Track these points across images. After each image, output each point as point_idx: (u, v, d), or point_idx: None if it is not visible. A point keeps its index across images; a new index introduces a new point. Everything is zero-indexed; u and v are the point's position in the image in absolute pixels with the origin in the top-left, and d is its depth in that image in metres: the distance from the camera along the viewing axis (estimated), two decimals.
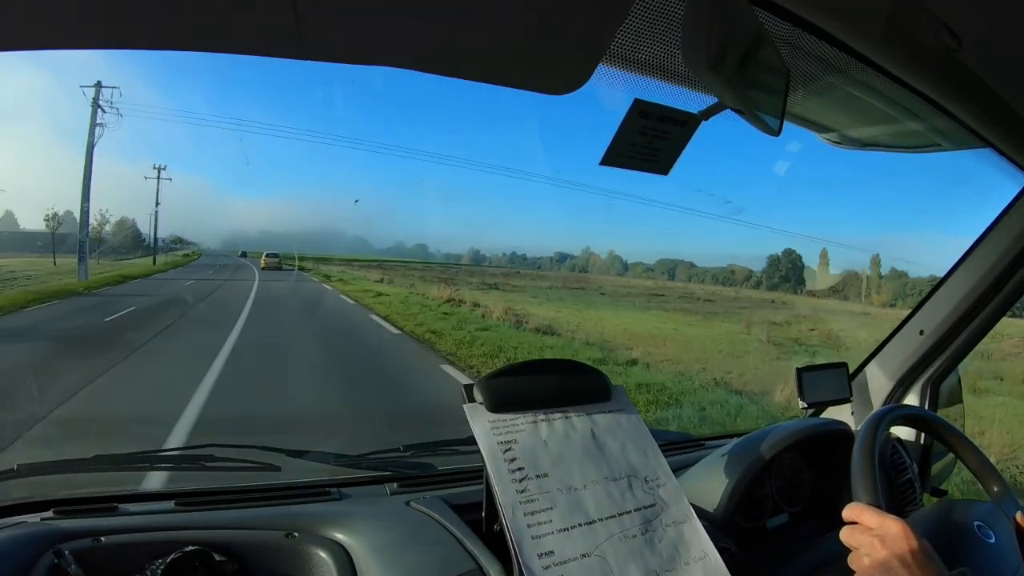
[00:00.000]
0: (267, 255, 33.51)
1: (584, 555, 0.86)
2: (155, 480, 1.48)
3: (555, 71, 0.76)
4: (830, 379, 1.57)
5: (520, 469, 0.89)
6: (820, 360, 1.76)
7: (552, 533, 0.86)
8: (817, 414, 1.68)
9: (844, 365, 1.62)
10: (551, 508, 0.88)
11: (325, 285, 23.82)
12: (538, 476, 0.90)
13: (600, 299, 25.66)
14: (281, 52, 0.69)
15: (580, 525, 0.88)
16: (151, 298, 14.45)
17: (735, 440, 1.40)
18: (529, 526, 0.86)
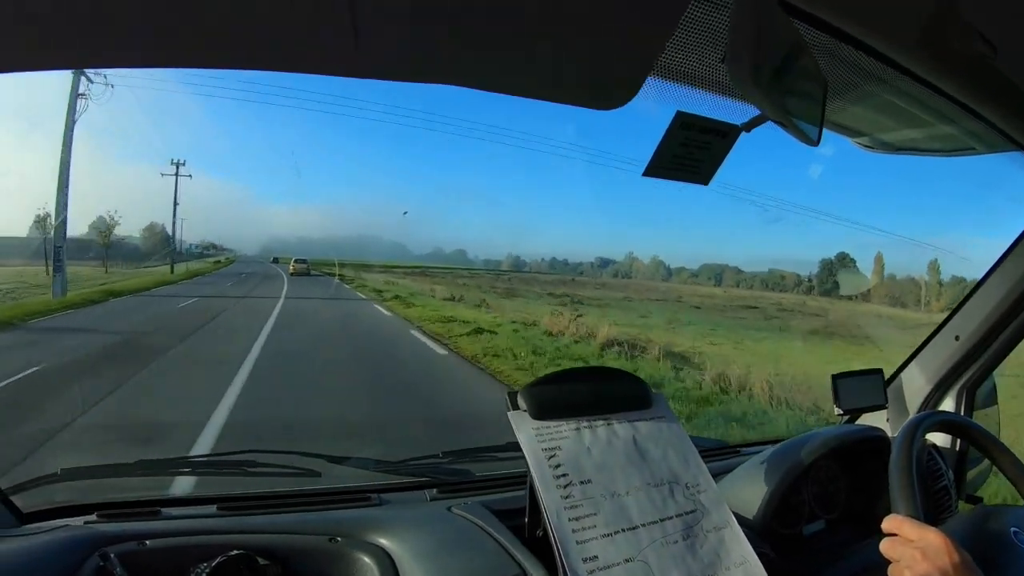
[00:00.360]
0: (295, 260, 34.11)
1: (627, 560, 0.88)
2: (197, 485, 1.50)
3: (605, 87, 0.78)
4: (866, 385, 1.56)
5: (564, 475, 0.91)
6: None
7: (596, 538, 0.88)
8: (852, 420, 1.67)
9: (880, 371, 1.61)
10: (595, 513, 0.89)
11: (379, 307, 17.10)
12: (582, 482, 0.91)
13: (702, 316, 22.38)
14: (339, 71, 0.71)
15: (623, 530, 0.90)
16: (101, 337, 9.33)
17: (771, 447, 1.40)
18: (574, 531, 0.87)
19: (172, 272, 28.02)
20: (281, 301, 16.33)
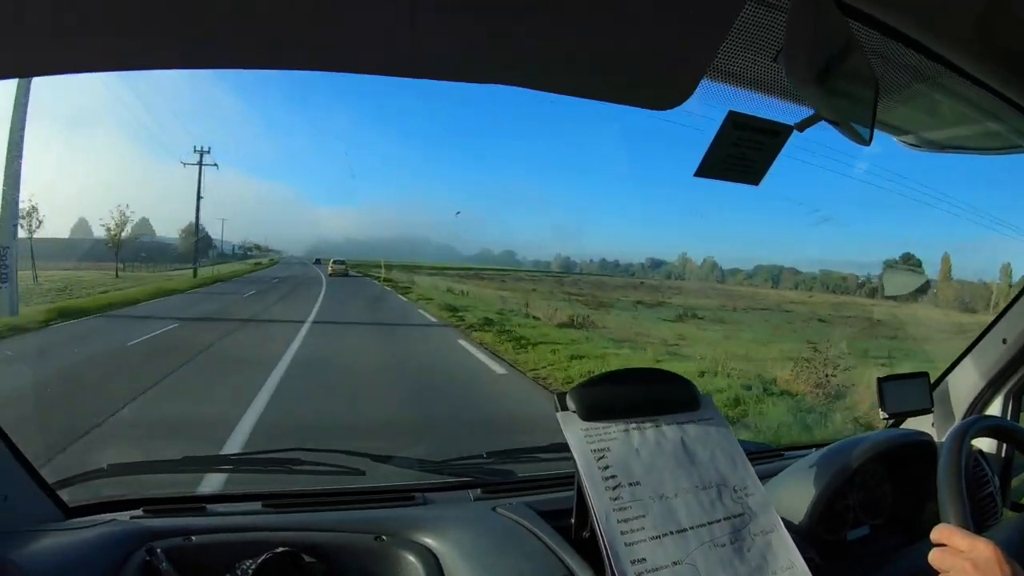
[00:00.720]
0: (334, 262, 34.87)
1: (675, 563, 0.87)
2: (242, 482, 1.52)
3: (659, 88, 0.78)
4: (911, 389, 1.53)
5: (613, 477, 0.91)
6: None
7: (645, 540, 0.88)
8: (898, 424, 1.64)
9: (925, 375, 1.58)
10: (643, 516, 0.89)
11: (466, 345, 10.44)
12: (631, 484, 0.91)
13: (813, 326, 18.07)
14: (398, 71, 0.72)
15: (672, 533, 0.89)
16: None
17: (816, 451, 1.38)
18: (622, 533, 0.87)
19: (195, 275, 25.85)
20: (304, 331, 10.46)
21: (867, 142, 0.94)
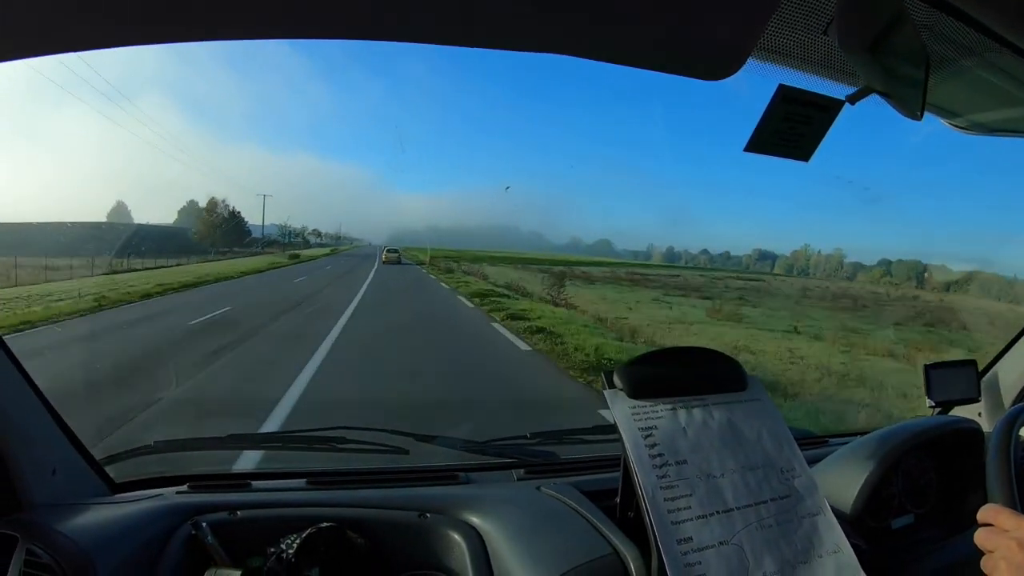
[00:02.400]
0: (387, 250, 36.94)
1: (722, 543, 0.87)
2: (286, 460, 1.55)
3: (712, 57, 0.77)
4: (958, 377, 1.50)
5: (660, 455, 0.90)
6: None
7: (691, 519, 0.87)
8: (944, 413, 1.61)
9: (973, 363, 1.54)
10: (690, 495, 0.89)
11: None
12: (677, 462, 0.90)
13: None
14: (449, 39, 0.72)
15: (718, 512, 0.89)
16: None
17: (860, 438, 1.36)
18: (669, 511, 0.87)
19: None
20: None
21: (919, 116, 0.92)
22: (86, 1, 0.63)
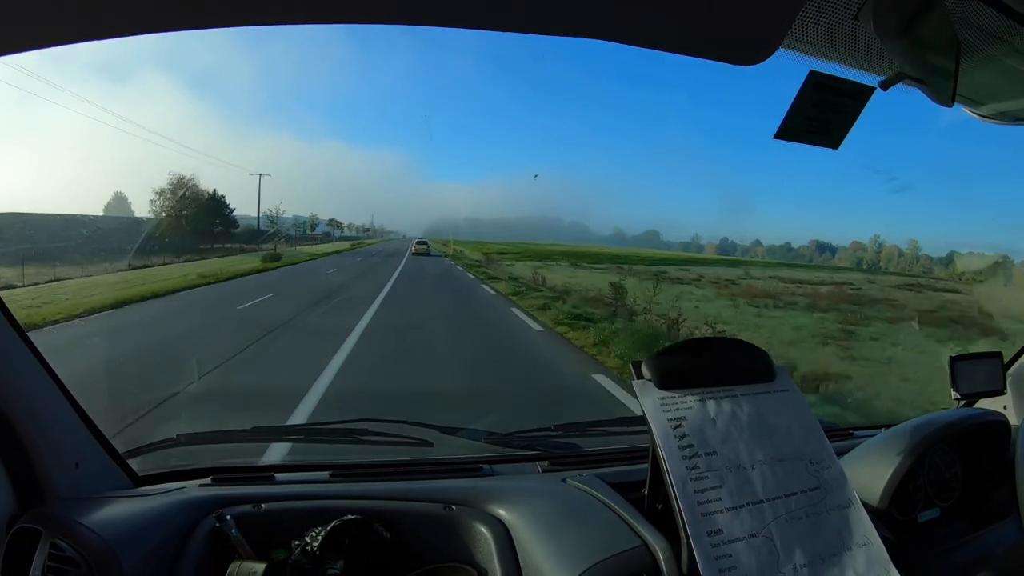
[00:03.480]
0: (417, 242, 37.23)
1: (752, 535, 0.86)
2: (310, 452, 1.54)
3: (744, 43, 0.76)
4: (984, 369, 1.48)
5: (690, 446, 0.89)
6: None
7: (721, 511, 0.86)
8: (969, 406, 1.59)
9: (999, 355, 1.52)
10: (720, 486, 0.88)
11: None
12: (707, 453, 0.90)
13: None
14: (481, 23, 0.71)
15: (748, 504, 0.88)
16: None
17: (885, 430, 1.34)
18: (699, 503, 0.86)
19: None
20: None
21: (951, 102, 0.91)
22: None
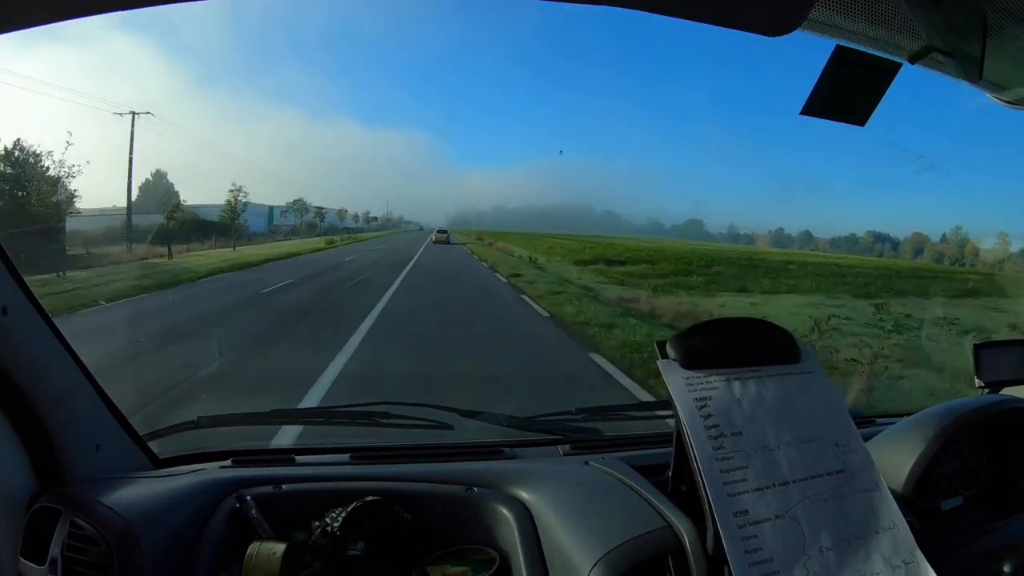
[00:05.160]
0: (437, 231, 35.94)
1: (778, 516, 0.85)
2: (330, 435, 1.54)
3: (772, 12, 0.75)
4: (1009, 357, 1.46)
5: (716, 426, 0.88)
6: None
7: (747, 492, 0.85)
8: (993, 393, 1.57)
9: (1023, 342, 1.50)
10: (746, 467, 0.87)
11: None
12: (732, 434, 0.89)
13: None
14: None
15: (774, 486, 0.87)
16: None
17: (909, 417, 1.33)
18: (725, 484, 0.85)
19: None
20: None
21: (978, 78, 0.90)
22: None
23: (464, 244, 35.36)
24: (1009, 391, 1.54)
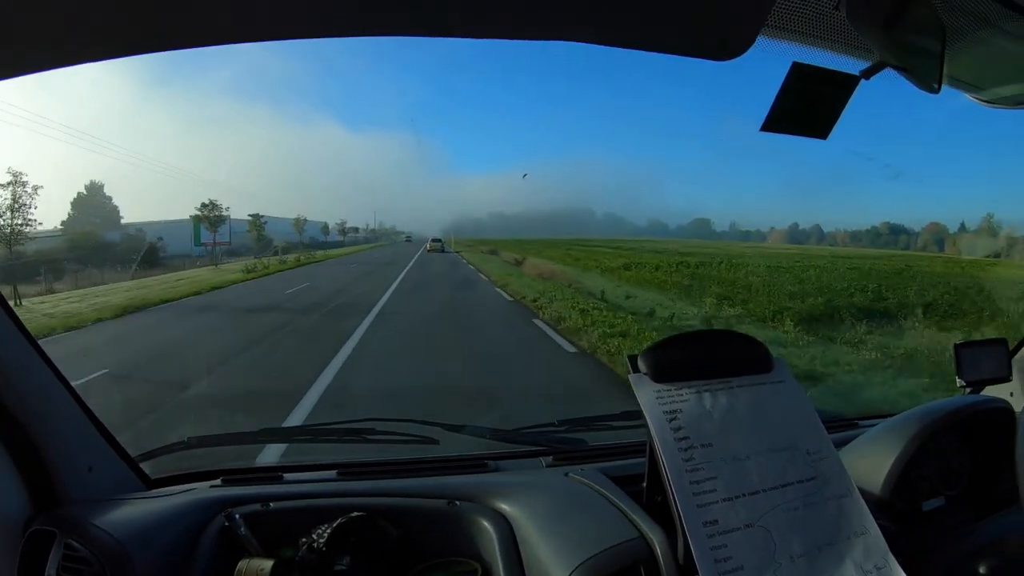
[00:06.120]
0: (432, 240, 33.59)
1: (748, 525, 0.87)
2: (317, 452, 1.57)
3: (720, 36, 0.77)
4: (989, 356, 1.47)
5: (686, 438, 0.90)
6: None
7: (717, 502, 0.87)
8: (975, 392, 1.58)
9: (1004, 342, 1.51)
10: (715, 477, 0.89)
11: None
12: (703, 445, 0.90)
13: None
14: (455, 30, 0.72)
15: (744, 495, 0.89)
16: None
17: (889, 419, 1.34)
18: (695, 494, 0.87)
19: None
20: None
21: (936, 90, 0.91)
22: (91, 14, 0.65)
23: (474, 265, 24.65)
24: (990, 390, 1.56)
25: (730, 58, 0.78)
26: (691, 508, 0.85)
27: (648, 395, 0.93)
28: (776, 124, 0.91)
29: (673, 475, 0.87)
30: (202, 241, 26.01)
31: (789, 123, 0.92)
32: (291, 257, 27.93)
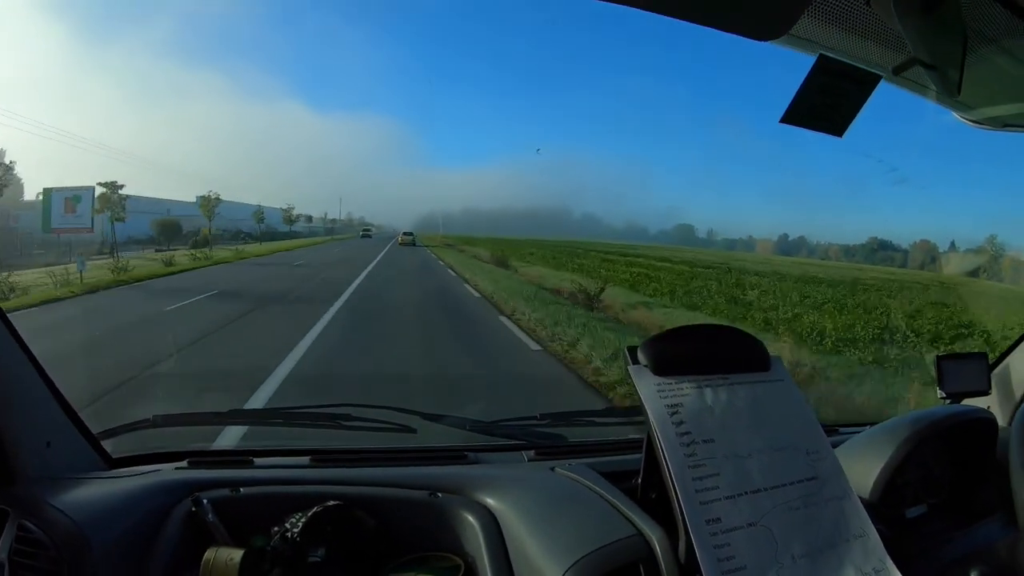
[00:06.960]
0: (403, 233, 32.75)
1: (750, 524, 0.85)
2: (290, 437, 1.50)
3: (761, 16, 0.75)
4: (969, 369, 1.49)
5: (687, 433, 0.88)
6: None
7: (719, 499, 0.85)
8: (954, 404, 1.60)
9: (984, 355, 1.54)
10: (718, 474, 0.86)
11: None
12: (704, 441, 0.88)
13: None
14: None
15: (746, 493, 0.87)
16: None
17: (874, 426, 1.35)
18: (697, 491, 0.84)
19: None
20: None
21: (956, 92, 0.91)
22: None
23: (451, 267, 21.01)
24: (969, 402, 1.58)
25: (767, 39, 0.76)
26: (694, 505, 0.83)
27: (649, 388, 0.90)
28: (796, 117, 0.90)
29: (675, 471, 0.84)
30: (53, 227, 19.36)
31: (808, 117, 0.91)
32: (199, 253, 21.04)
